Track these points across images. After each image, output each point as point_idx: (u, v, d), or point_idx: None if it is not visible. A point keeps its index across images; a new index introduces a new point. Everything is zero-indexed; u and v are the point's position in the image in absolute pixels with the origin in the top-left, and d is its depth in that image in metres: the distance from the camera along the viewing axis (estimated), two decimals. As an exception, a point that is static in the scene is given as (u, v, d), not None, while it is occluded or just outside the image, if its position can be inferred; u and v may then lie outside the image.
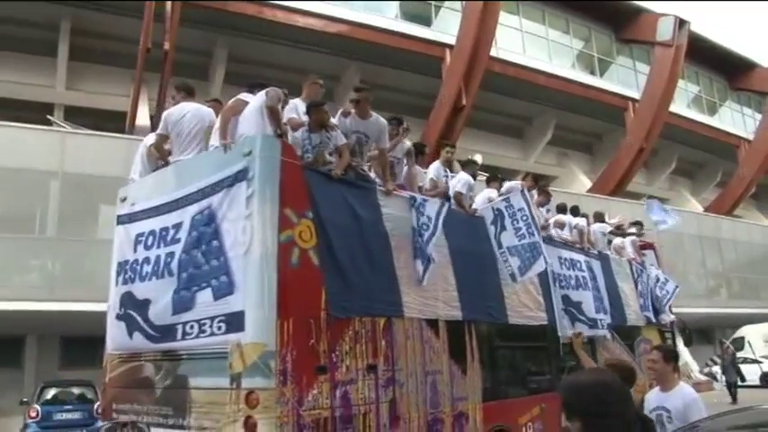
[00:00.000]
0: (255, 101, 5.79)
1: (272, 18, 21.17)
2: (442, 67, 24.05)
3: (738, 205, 35.44)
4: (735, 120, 36.06)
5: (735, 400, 18.01)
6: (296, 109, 6.69)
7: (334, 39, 22.69)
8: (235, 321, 5.04)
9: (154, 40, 18.77)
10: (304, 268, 5.30)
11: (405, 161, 7.76)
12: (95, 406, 13.33)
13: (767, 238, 34.59)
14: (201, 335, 5.27)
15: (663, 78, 27.94)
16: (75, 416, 13.37)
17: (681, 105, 31.79)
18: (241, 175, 5.25)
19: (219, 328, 5.13)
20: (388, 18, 23.87)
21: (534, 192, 10.68)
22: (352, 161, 6.34)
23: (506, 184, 9.85)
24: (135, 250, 6.14)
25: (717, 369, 24.91)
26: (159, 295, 5.71)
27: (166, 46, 18.99)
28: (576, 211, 12.02)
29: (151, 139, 6.94)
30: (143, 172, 6.78)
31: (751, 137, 35.30)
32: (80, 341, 17.26)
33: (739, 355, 24.99)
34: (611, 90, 28.92)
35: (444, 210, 6.96)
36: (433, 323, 6.74)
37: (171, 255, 5.67)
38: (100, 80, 21.51)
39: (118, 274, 6.37)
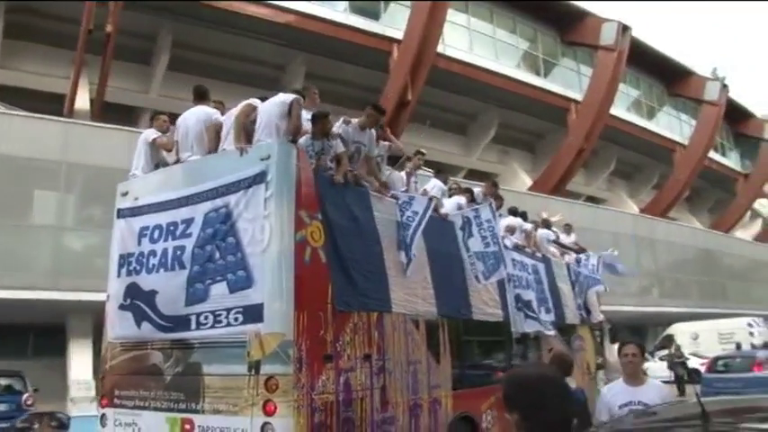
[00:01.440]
0: (274, 105, 6.49)
1: (220, 5, 21.37)
2: (389, 61, 24.80)
3: (673, 207, 37.84)
4: (671, 124, 38.50)
5: (683, 393, 19.41)
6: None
7: (282, 29, 23.10)
8: (253, 313, 5.72)
9: (96, 22, 18.76)
10: (315, 265, 6.05)
11: (386, 160, 8.61)
12: (23, 397, 13.36)
13: (698, 240, 37.16)
14: (217, 325, 5.92)
15: (604, 81, 29.63)
16: (1, 407, 13.16)
17: (621, 108, 33.69)
18: (259, 178, 5.93)
19: (237, 319, 5.80)
20: (337, 11, 24.42)
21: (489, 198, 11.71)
22: (348, 167, 7.11)
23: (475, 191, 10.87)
24: (139, 243, 6.69)
25: (649, 365, 26.86)
26: (169, 286, 6.31)
27: (109, 28, 18.99)
28: (516, 212, 13.11)
29: (151, 134, 7.50)
30: (145, 168, 7.34)
31: (686, 142, 37.73)
32: (10, 330, 17.28)
33: (666, 352, 27.08)
34: (555, 91, 30.44)
35: (431, 206, 7.83)
36: (414, 318, 7.60)
37: (182, 248, 6.27)
38: (38, 60, 21.25)
39: (120, 266, 6.90)
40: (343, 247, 6.42)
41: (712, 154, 40.24)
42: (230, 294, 5.91)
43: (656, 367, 25.97)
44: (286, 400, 5.50)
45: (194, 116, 7.14)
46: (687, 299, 33.68)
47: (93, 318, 16.84)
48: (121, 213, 7.11)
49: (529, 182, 31.06)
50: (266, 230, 5.82)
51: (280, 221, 5.84)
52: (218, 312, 5.94)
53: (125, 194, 7.17)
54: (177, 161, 7.16)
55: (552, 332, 11.49)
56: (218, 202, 6.16)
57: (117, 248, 7.06)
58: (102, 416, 6.89)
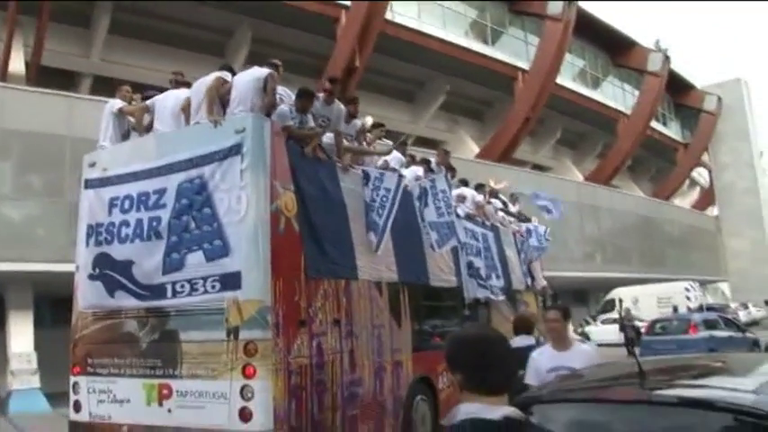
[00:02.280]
0: (249, 80, 6.77)
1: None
2: (337, 27, 24.89)
3: (616, 176, 39.43)
4: (615, 95, 39.91)
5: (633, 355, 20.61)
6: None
7: (227, -7, 22.95)
8: (230, 280, 6.06)
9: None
10: (288, 234, 6.41)
11: (356, 138, 8.98)
12: None
13: (639, 208, 38.97)
14: (194, 293, 6.23)
15: (551, 51, 30.47)
16: None
17: (567, 78, 34.66)
18: (235, 150, 6.23)
19: (214, 286, 6.13)
20: (283, -24, 24.38)
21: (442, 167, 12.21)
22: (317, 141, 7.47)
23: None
24: (110, 213, 6.90)
25: (591, 329, 28.20)
26: (145, 256, 6.57)
27: (44, -12, 18.56)
28: (467, 183, 13.69)
29: (117, 104, 7.67)
30: (114, 138, 7.52)
31: (629, 112, 39.22)
32: None
33: (608, 316, 28.46)
34: (503, 59, 31.11)
35: (402, 184, 8.27)
36: (377, 284, 8.08)
37: (157, 219, 6.52)
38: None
39: (89, 236, 7.10)
40: (314, 216, 6.79)
41: (654, 124, 41.97)
42: (207, 263, 6.21)
43: (600, 330, 27.37)
44: (265, 364, 5.88)
45: (172, 100, 7.34)
46: (628, 265, 35.36)
47: (34, 289, 16.79)
48: (89, 184, 7.26)
49: (476, 149, 31.78)
50: (243, 201, 6.13)
51: (256, 192, 6.16)
52: (194, 281, 6.24)
53: (93, 165, 7.32)
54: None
55: (501, 298, 12.22)
56: (193, 173, 6.41)
57: (85, 219, 7.23)
58: (75, 384, 7.11)
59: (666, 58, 39.48)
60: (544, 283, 15.61)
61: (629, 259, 36.17)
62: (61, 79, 21.52)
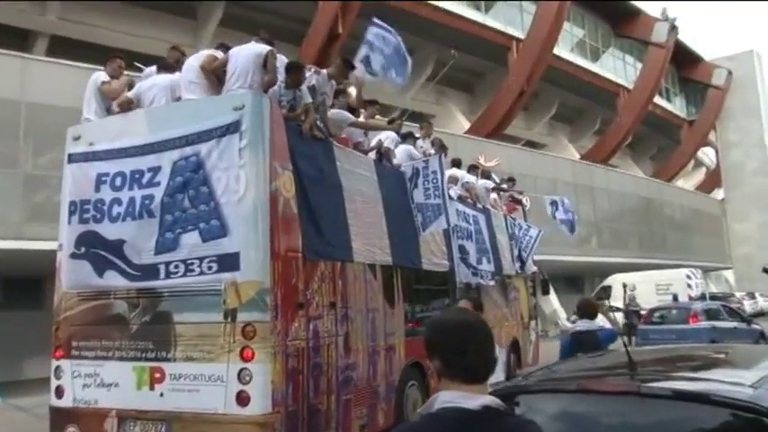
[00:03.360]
0: (249, 56, 7.19)
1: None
2: (317, -11, 24.98)
3: (615, 154, 40.13)
4: (616, 67, 40.49)
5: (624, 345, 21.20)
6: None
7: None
8: (228, 261, 6.51)
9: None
10: (287, 215, 6.89)
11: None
12: None
13: (639, 189, 39.53)
14: (189, 274, 6.67)
15: (548, 19, 30.93)
16: None
17: (564, 49, 35.19)
18: (233, 128, 6.64)
19: (210, 267, 6.57)
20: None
21: (428, 140, 12.72)
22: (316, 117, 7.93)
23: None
24: (98, 190, 7.27)
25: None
26: (138, 236, 6.97)
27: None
28: (459, 164, 14.24)
29: (101, 77, 8.03)
30: (98, 112, 7.90)
31: (631, 86, 39.84)
32: None
33: (605, 303, 29.09)
34: (496, 27, 31.55)
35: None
36: (372, 267, 8.63)
37: (150, 197, 6.93)
38: None
39: (71, 213, 7.46)
40: (311, 197, 7.26)
41: (657, 99, 42.61)
42: (203, 243, 6.63)
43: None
44: (263, 347, 6.35)
45: (158, 92, 7.70)
46: (626, 249, 36.20)
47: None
48: (73, 158, 7.61)
49: (466, 124, 32.30)
50: (241, 180, 6.55)
51: (255, 171, 6.59)
52: (189, 261, 6.67)
53: (77, 138, 7.66)
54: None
55: (492, 282, 12.87)
56: (188, 150, 6.81)
57: (68, 195, 7.57)
58: (57, 368, 7.43)
59: (673, 28, 40.05)
60: (534, 268, 16.30)
61: (627, 244, 36.95)
62: (14, 38, 21.56)
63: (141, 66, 8.98)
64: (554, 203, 17.82)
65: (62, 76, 16.30)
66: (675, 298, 25.60)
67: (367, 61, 9.42)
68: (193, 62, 7.54)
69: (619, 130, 39.10)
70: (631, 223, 37.96)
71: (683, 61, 45.93)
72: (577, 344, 6.46)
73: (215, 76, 7.39)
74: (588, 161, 37.12)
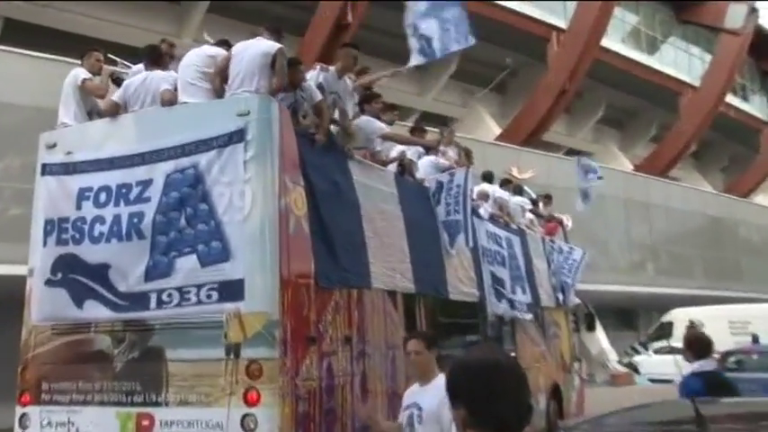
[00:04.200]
0: (256, 55, 7.62)
1: None
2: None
3: (675, 165, 40.05)
4: (678, 60, 40.40)
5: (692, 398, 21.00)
6: None
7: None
8: (231, 289, 6.87)
9: None
10: (298, 236, 7.26)
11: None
12: None
13: (707, 206, 39.20)
14: (185, 303, 7.04)
15: (595, 5, 30.95)
16: None
17: (615, 39, 35.27)
18: (237, 137, 7.03)
19: (210, 296, 6.94)
20: None
21: (450, 149, 13.11)
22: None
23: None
24: (79, 207, 7.64)
25: (641, 359, 28.80)
26: (124, 260, 7.35)
27: None
28: (490, 178, 14.63)
29: (81, 74, 8.45)
30: (78, 115, 8.31)
31: (697, 83, 39.60)
32: None
33: (663, 344, 28.96)
34: (533, 15, 31.77)
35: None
36: (392, 295, 9.00)
37: (139, 215, 7.30)
38: None
39: (47, 233, 7.80)
40: (325, 216, 7.65)
41: (730, 98, 42.25)
42: (202, 269, 7.00)
43: (652, 362, 27.78)
44: (271, 388, 6.67)
45: (150, 87, 8.12)
46: (690, 278, 35.83)
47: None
48: (49, 169, 7.96)
49: (497, 130, 32.50)
50: (247, 197, 6.92)
51: (262, 186, 6.97)
52: (185, 289, 7.04)
53: (52, 146, 8.03)
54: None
55: (528, 316, 13.16)
56: (185, 161, 7.19)
57: (43, 212, 7.92)
58: (22, 416, 7.60)
59: (753, 11, 39.71)
60: (577, 300, 16.62)
61: (691, 272, 36.68)
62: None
63: (115, 58, 9.37)
64: (585, 167, 18.41)
65: (21, 70, 16.68)
66: (756, 339, 25.05)
67: (428, 44, 10.43)
68: (193, 61, 7.94)
69: (681, 135, 38.93)
70: (696, 247, 37.71)
71: (764, 51, 45.55)
72: (709, 387, 6.19)
73: (219, 78, 7.79)
74: (643, 173, 37.02)
